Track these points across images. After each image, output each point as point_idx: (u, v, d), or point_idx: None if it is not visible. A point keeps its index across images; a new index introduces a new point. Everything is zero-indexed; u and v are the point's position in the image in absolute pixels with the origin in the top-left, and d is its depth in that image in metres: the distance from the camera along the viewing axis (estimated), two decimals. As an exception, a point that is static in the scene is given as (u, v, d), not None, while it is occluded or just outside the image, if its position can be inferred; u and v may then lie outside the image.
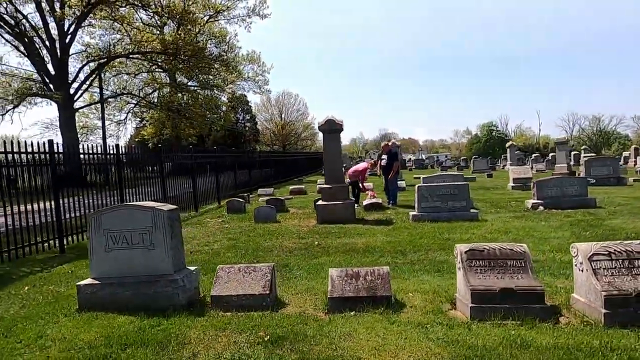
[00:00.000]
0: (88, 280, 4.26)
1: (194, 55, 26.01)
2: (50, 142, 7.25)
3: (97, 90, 32.64)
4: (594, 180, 15.71)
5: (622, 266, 3.81)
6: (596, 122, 76.61)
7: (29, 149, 6.89)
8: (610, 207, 9.78)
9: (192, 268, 4.50)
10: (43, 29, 26.62)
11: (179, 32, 28.25)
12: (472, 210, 8.60)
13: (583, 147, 52.73)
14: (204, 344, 3.33)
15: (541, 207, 9.93)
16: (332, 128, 8.69)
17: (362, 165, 11.78)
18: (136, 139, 47.33)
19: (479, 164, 28.02)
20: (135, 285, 4.13)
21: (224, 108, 49.54)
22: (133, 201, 9.46)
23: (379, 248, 6.36)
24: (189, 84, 36.33)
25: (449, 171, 30.97)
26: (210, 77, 32.06)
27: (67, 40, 27.43)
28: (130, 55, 29.14)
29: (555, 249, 5.95)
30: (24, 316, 4.15)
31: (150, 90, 37.00)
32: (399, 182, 14.43)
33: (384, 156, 11.22)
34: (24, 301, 4.65)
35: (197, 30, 27.05)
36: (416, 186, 8.74)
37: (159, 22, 31.71)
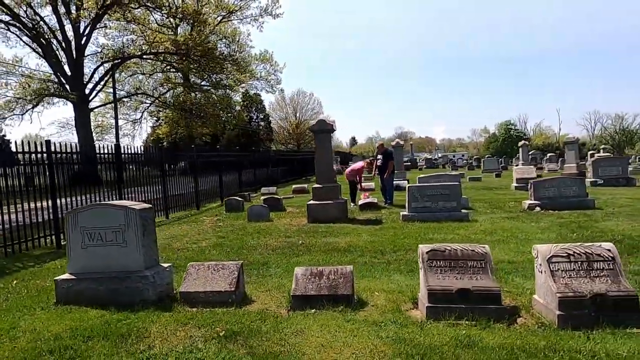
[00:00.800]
0: (65, 275, 4.46)
1: (204, 55, 26.39)
2: (48, 142, 7.53)
3: (112, 90, 33.52)
4: (602, 181, 15.42)
5: (580, 268, 3.81)
6: (619, 121, 74.22)
7: (27, 149, 7.19)
8: (608, 209, 9.62)
9: (166, 265, 4.66)
10: (59, 30, 27.40)
11: (192, 32, 28.73)
12: (462, 211, 8.58)
13: (602, 146, 51.39)
14: (162, 338, 3.48)
15: (537, 208, 9.83)
16: (322, 128, 8.79)
17: (359, 165, 11.85)
18: (152, 138, 48.47)
19: (489, 164, 27.71)
20: (108, 281, 4.30)
21: (237, 107, 50.19)
22: (134, 199, 9.75)
23: (360, 247, 6.43)
24: (202, 84, 36.88)
25: (460, 170, 30.80)
26: (222, 76, 32.43)
27: (82, 42, 28.20)
28: (144, 56, 29.77)
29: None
30: (4, 308, 4.37)
31: (164, 90, 37.67)
32: (400, 182, 14.44)
33: (379, 156, 11.25)
34: (9, 294, 4.89)
35: (207, 30, 27.39)
36: (407, 186, 8.77)
37: (172, 23, 32.31)
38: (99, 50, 30.77)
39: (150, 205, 4.69)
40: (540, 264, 3.89)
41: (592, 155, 29.81)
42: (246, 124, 53.77)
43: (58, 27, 27.41)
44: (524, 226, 7.69)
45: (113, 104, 32.73)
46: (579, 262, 3.83)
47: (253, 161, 21.32)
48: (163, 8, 27.53)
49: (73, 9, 26.60)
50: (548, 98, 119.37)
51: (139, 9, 28.02)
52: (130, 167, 10.77)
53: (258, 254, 6.41)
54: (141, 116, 39.90)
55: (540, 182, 10.05)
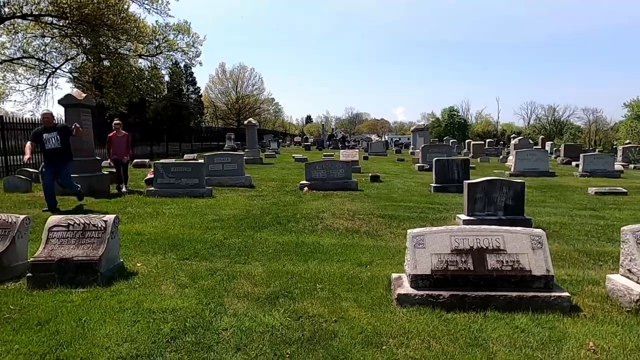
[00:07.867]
0: None
1: (82, 21, 25.23)
2: None
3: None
4: (428, 166, 16.64)
5: (74, 236, 4.25)
6: (551, 112, 77.71)
7: None
8: (367, 190, 10.47)
9: None
10: None
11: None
12: (206, 188, 9.05)
13: (512, 135, 54.20)
14: None
15: (306, 189, 10.52)
16: (70, 102, 8.85)
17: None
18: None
19: (375, 147, 28.82)
20: None
21: (167, 78, 48.60)
22: None
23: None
24: (108, 51, 35.22)
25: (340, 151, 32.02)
26: (111, 45, 31.21)
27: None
28: (25, 18, 27.90)
29: (188, 224, 6.45)
30: None
31: (70, 56, 35.65)
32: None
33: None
34: None
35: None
36: (153, 164, 9.10)
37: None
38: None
39: None
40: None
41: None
42: (169, 96, 52.43)
43: None
44: (242, 203, 8.26)
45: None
46: (75, 231, 4.28)
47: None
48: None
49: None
50: (490, 86, 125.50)
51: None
52: None
53: None
54: (46, 81, 37.59)
55: (312, 164, 10.75)
